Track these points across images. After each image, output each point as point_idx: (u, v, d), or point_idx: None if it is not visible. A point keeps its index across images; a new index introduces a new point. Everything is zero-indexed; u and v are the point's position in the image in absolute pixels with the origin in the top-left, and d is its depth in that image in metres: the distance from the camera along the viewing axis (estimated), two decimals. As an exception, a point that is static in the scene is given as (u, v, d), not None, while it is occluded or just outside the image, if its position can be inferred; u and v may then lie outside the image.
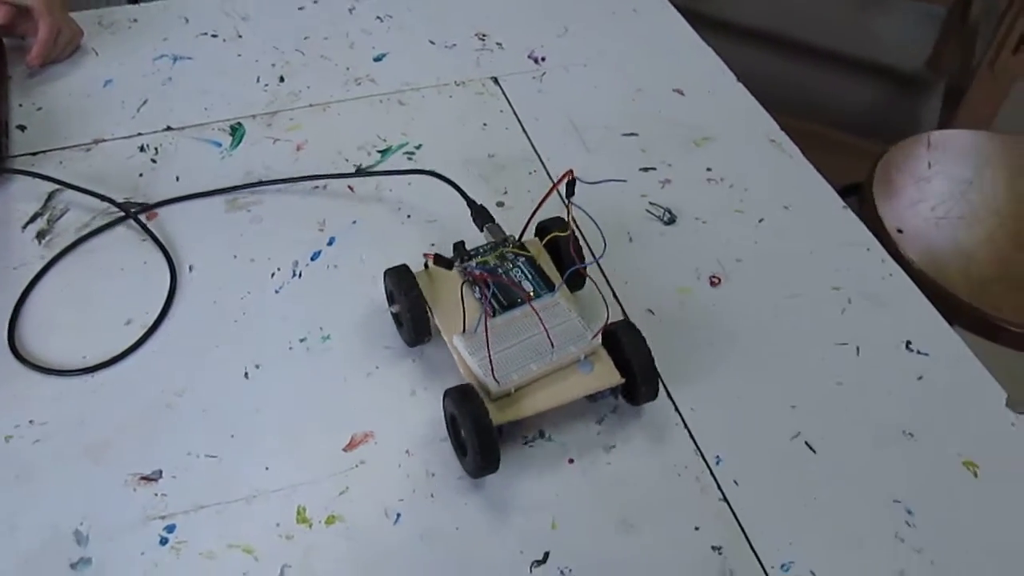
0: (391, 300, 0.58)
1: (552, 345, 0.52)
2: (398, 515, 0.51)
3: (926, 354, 0.61)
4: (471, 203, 0.63)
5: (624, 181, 0.71)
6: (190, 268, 0.63)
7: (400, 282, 0.55)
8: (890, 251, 0.83)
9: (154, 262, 0.63)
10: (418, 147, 0.73)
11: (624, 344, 0.53)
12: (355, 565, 0.48)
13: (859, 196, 0.95)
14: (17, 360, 0.57)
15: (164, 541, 0.49)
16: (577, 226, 0.59)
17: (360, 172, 0.71)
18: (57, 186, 0.67)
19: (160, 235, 0.65)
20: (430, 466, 0.53)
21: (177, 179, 0.69)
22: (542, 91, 0.80)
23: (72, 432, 0.53)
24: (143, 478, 0.52)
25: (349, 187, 0.70)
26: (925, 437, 0.56)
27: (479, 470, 0.50)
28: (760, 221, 0.69)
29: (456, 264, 0.56)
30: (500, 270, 0.56)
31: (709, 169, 0.73)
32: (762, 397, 0.57)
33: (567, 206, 0.55)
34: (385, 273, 0.57)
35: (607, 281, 0.63)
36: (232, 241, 0.65)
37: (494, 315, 0.54)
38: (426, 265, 0.56)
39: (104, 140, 0.72)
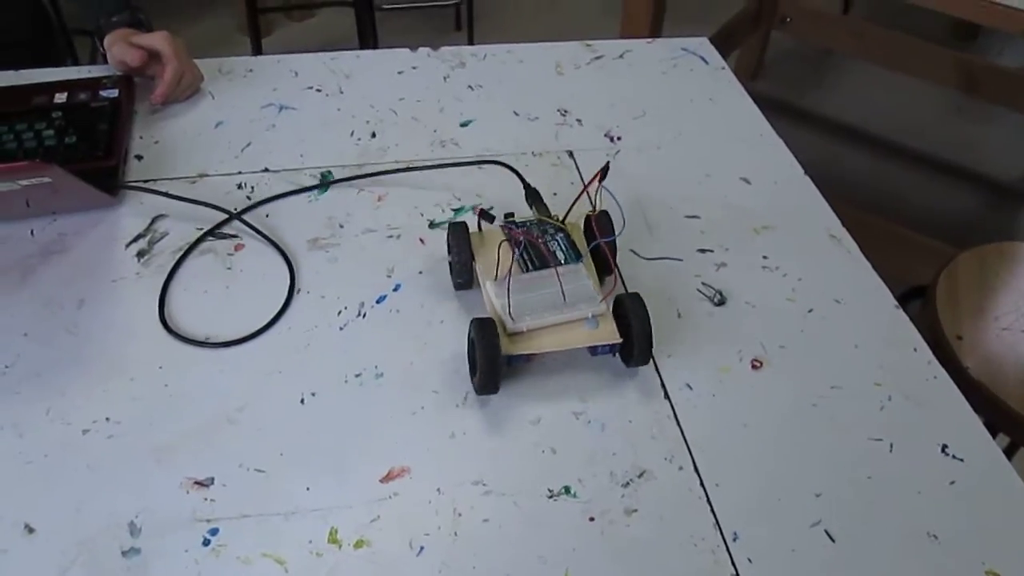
0: (449, 250, 0.69)
1: (564, 300, 0.62)
2: (422, 548, 0.54)
3: (961, 459, 0.61)
4: (527, 186, 0.74)
5: (680, 260, 0.74)
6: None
7: (456, 235, 0.67)
8: (946, 356, 0.83)
9: (235, 286, 0.69)
10: (490, 209, 0.78)
11: (628, 311, 0.61)
12: (375, 588, 0.52)
13: (923, 299, 0.95)
14: (166, 330, 0.66)
15: (207, 542, 0.53)
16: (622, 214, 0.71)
17: (431, 166, 0.81)
18: (163, 212, 0.74)
19: (243, 267, 0.71)
20: (458, 506, 0.56)
21: (267, 216, 0.75)
22: (614, 168, 0.83)
23: (142, 433, 0.59)
24: (197, 483, 0.56)
25: (420, 239, 0.75)
26: (950, 541, 0.56)
27: (482, 387, 0.60)
28: (809, 311, 0.70)
29: (499, 222, 0.68)
30: (540, 239, 0.67)
31: (766, 257, 0.75)
32: (788, 481, 0.59)
33: (598, 188, 0.67)
34: (448, 226, 0.68)
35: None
36: (307, 278, 0.70)
37: (526, 271, 0.65)
38: (479, 226, 0.68)
39: (208, 175, 0.80)
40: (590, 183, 0.67)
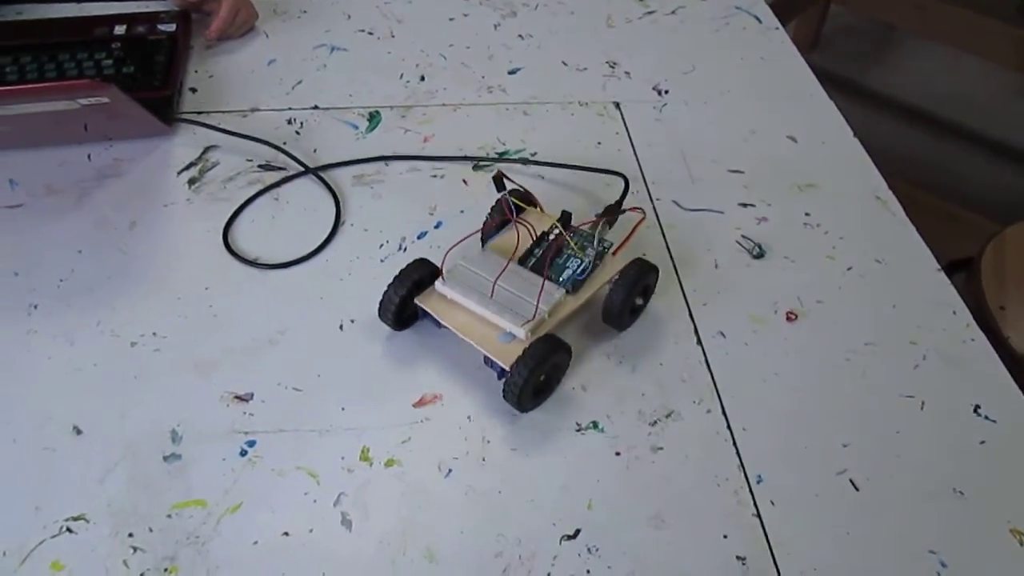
0: (490, 212, 0.67)
1: (491, 297, 0.59)
2: (450, 470, 0.55)
3: (994, 420, 0.60)
4: (622, 200, 0.70)
5: (721, 213, 0.74)
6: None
7: (499, 208, 0.66)
8: (988, 326, 0.82)
9: (281, 217, 0.71)
10: (533, 155, 0.78)
11: (538, 354, 0.55)
12: (402, 504, 0.53)
13: (968, 270, 0.94)
14: (229, 253, 0.68)
15: (244, 453, 0.55)
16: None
17: (546, 163, 0.77)
18: (214, 143, 0.76)
19: (289, 200, 0.72)
20: (487, 433, 0.57)
21: (315, 151, 0.77)
22: (660, 120, 0.83)
23: (187, 348, 0.61)
24: (237, 397, 0.58)
25: (464, 180, 0.75)
26: (975, 498, 0.56)
27: (378, 310, 0.61)
28: (849, 269, 0.70)
29: (507, 194, 0.66)
30: (567, 251, 0.63)
31: (808, 214, 0.75)
32: (816, 430, 0.59)
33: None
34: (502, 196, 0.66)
35: (685, 299, 0.66)
36: (352, 211, 0.72)
37: (520, 262, 0.62)
38: (509, 203, 0.66)
39: (259, 110, 0.81)
40: (635, 227, 0.65)
